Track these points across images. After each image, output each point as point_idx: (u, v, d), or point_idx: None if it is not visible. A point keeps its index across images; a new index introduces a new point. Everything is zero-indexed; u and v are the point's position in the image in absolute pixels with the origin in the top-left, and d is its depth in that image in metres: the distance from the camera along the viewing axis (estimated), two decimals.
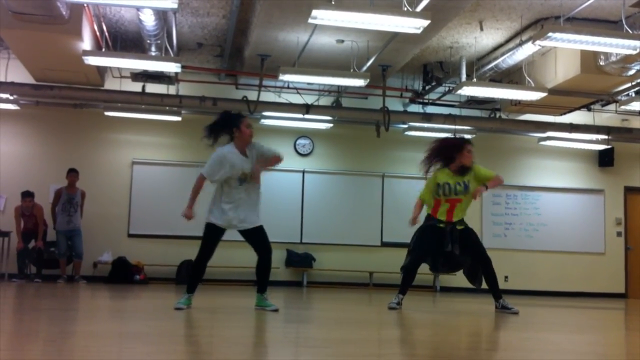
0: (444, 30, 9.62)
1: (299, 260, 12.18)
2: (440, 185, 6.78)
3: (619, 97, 10.98)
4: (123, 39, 10.58)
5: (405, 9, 7.27)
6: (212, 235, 6.15)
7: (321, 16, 7.17)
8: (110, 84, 11.41)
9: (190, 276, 6.35)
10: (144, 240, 11.91)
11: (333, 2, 7.15)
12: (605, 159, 13.31)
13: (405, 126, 12.34)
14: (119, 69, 11.15)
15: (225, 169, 5.90)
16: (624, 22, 7.97)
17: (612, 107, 12.41)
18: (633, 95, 10.86)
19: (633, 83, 10.31)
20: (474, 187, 6.78)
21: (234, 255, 12.08)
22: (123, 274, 11.27)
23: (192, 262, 6.25)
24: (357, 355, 3.67)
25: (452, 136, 7.18)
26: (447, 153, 6.87)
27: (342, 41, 9.70)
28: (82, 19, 8.90)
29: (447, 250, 6.69)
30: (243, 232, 6.24)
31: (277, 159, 6.17)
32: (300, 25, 8.94)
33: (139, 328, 4.70)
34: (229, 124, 5.95)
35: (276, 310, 5.99)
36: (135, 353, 3.40)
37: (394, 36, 9.04)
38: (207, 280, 11.74)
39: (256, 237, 6.21)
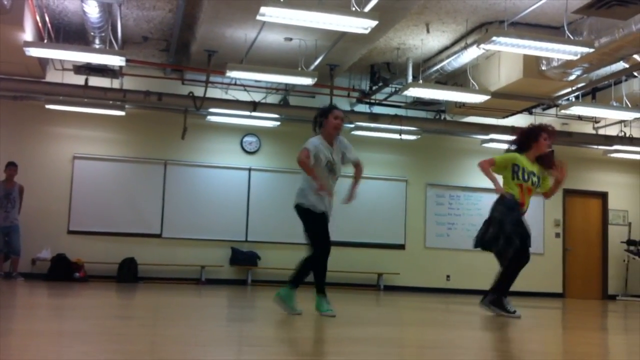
0: (392, 32, 9.70)
1: (244, 258, 12.11)
2: (519, 168, 6.52)
3: (560, 102, 11.26)
4: (66, 31, 10.33)
5: (354, 9, 7.31)
6: (318, 218, 5.79)
7: (269, 13, 7.15)
8: (52, 77, 11.15)
9: (316, 275, 5.91)
10: (85, 237, 11.67)
11: (282, 0, 7.13)
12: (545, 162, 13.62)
13: (352, 126, 12.39)
14: (61, 61, 10.89)
15: (317, 157, 5.78)
16: (565, 29, 8.17)
17: (552, 111, 12.72)
18: (573, 99, 11.15)
19: (573, 88, 10.60)
20: (544, 188, 6.71)
21: (177, 253, 11.98)
22: (62, 272, 11.03)
23: (310, 260, 5.83)
24: (300, 354, 3.67)
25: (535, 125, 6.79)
26: (522, 139, 6.64)
27: (291, 39, 9.69)
28: (24, 9, 8.68)
29: (528, 235, 6.57)
30: None
31: (362, 171, 6.13)
32: (248, 21, 8.89)
33: (79, 327, 4.60)
34: (321, 114, 6.01)
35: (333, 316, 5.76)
36: (74, 352, 3.33)
37: (342, 36, 9.07)
38: (148, 278, 11.64)
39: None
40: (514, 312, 6.49)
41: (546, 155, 6.62)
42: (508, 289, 6.68)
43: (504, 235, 6.47)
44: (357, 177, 6.10)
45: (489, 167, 6.55)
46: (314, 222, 5.80)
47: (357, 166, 6.09)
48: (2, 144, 11.39)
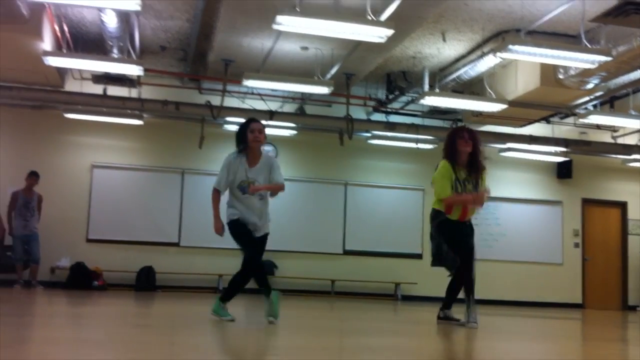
0: (408, 40, 9.69)
1: None
2: (459, 181, 6.09)
3: (578, 110, 11.18)
4: (84, 40, 10.43)
5: (370, 18, 7.31)
6: (241, 229, 5.61)
7: (286, 22, 7.17)
8: (71, 86, 11.25)
9: (237, 282, 5.92)
10: (103, 246, 11.73)
11: (298, 9, 7.15)
12: (563, 171, 13.55)
13: (369, 135, 12.40)
14: (79, 70, 10.99)
15: (228, 176, 5.60)
16: (582, 37, 8.12)
17: (570, 119, 12.64)
18: (591, 108, 11.07)
19: (591, 97, 10.52)
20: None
21: (195, 262, 12.01)
22: (81, 280, 11.09)
23: (242, 266, 5.73)
24: None
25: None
26: (449, 146, 6.21)
27: (307, 48, 9.71)
28: (43, 18, 8.78)
29: (470, 245, 6.22)
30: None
31: (279, 188, 5.81)
32: (264, 31, 8.93)
33: (97, 335, 4.62)
34: (240, 130, 5.64)
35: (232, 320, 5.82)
36: None
37: (358, 44, 9.08)
38: (166, 286, 11.68)
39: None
40: (458, 320, 6.52)
41: (473, 158, 6.23)
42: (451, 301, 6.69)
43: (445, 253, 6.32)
44: (271, 189, 5.78)
45: (450, 199, 6.12)
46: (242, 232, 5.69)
47: (278, 188, 5.80)
48: (22, 153, 11.51)
